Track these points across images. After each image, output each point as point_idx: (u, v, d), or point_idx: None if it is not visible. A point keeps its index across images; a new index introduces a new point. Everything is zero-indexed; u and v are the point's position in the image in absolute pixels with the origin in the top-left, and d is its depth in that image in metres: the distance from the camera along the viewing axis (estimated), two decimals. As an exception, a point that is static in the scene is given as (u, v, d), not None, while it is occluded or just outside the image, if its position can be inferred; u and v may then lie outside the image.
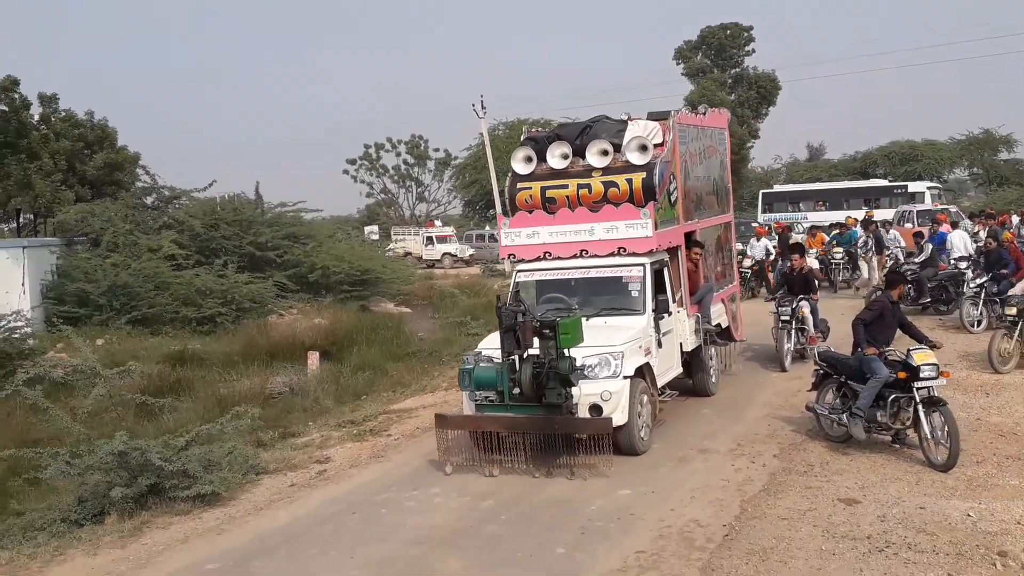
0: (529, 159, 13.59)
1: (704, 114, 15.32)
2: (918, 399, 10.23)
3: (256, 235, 27.22)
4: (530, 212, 13.42)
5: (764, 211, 45.75)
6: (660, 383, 12.80)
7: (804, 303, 16.46)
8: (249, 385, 16.45)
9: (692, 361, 14.44)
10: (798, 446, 11.31)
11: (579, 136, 13.46)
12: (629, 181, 13.06)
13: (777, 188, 52.03)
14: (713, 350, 15.03)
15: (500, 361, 11.31)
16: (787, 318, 16.30)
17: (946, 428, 9.94)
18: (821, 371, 11.90)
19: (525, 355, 11.26)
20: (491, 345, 11.73)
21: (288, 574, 8.66)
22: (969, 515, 8.52)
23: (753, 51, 65.83)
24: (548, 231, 13.23)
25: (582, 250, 13.10)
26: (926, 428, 10.15)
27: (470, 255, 55.58)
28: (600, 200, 13.14)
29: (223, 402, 14.75)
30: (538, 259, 13.40)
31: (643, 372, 12.14)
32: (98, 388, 14.78)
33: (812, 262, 17.90)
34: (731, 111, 60.07)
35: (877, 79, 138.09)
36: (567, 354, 11.06)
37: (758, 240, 29.63)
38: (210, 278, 24.08)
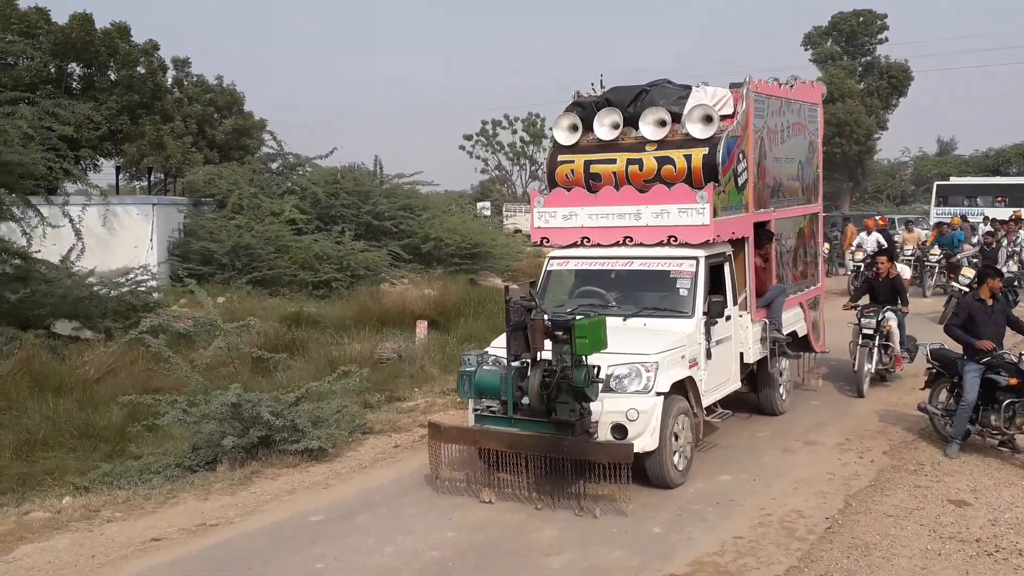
0: (574, 128, 11.15)
1: (792, 85, 12.39)
2: None
3: (374, 204, 26.79)
4: (568, 190, 10.86)
5: (938, 204, 41.61)
6: (708, 400, 10.31)
7: (891, 315, 13.61)
8: (359, 349, 16.20)
9: (758, 374, 11.79)
10: (909, 444, 10.74)
11: (632, 102, 10.94)
12: (688, 158, 10.50)
13: (954, 180, 47.64)
14: (784, 363, 12.31)
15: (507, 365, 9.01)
16: (870, 332, 13.34)
17: None
18: (934, 370, 11.12)
19: (536, 360, 8.77)
20: (501, 344, 9.31)
21: (390, 530, 8.48)
22: None
23: (886, 39, 61.05)
24: (588, 213, 10.81)
25: (626, 237, 10.66)
26: None
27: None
28: (653, 179, 10.68)
29: (334, 363, 14.33)
30: (575, 245, 10.92)
31: (685, 387, 9.80)
32: (217, 341, 14.64)
33: (903, 268, 14.69)
34: (860, 100, 56.69)
35: (1014, 73, 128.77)
36: (585, 362, 8.68)
37: (868, 234, 26.19)
38: (328, 244, 23.91)
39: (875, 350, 13.26)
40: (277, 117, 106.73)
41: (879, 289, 13.84)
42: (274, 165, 29.08)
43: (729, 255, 11.01)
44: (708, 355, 10.26)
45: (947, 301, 19.52)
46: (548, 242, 11.15)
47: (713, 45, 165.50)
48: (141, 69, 32.23)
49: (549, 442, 8.89)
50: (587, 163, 11.08)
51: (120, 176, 39.55)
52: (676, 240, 10.46)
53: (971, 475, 9.46)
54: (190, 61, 38.94)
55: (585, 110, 11.23)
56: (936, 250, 24.57)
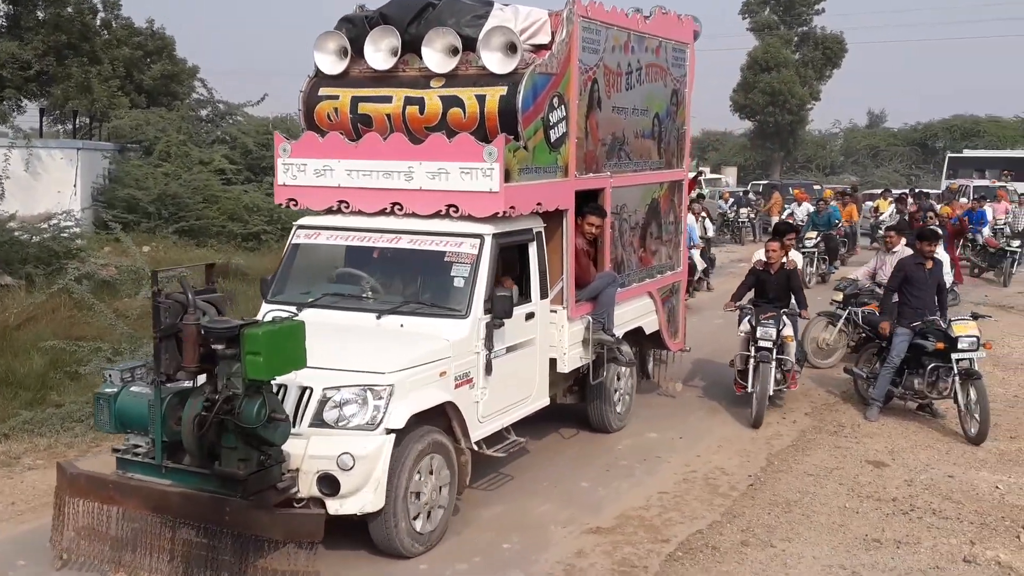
0: (343, 52, 7.65)
1: (649, 15, 8.92)
2: (956, 370, 9.27)
3: None
4: (322, 135, 7.41)
5: (949, 176, 38.22)
6: (491, 427, 7.19)
7: (789, 322, 9.74)
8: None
9: (585, 383, 8.66)
10: (831, 406, 10.43)
11: (415, 20, 7.54)
12: (480, 99, 7.22)
13: (967, 153, 44.36)
14: (625, 371, 9.26)
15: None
16: (768, 344, 9.52)
17: (978, 402, 9.09)
18: (864, 334, 10.89)
19: (197, 384, 5.48)
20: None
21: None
22: (997, 487, 7.93)
23: (823, 10, 57.53)
24: (347, 168, 7.51)
25: (394, 203, 7.25)
26: (961, 400, 9.23)
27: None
28: (437, 125, 7.31)
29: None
30: (331, 211, 7.44)
31: (447, 416, 6.78)
32: (145, 290, 13.13)
33: (796, 256, 10.90)
34: (794, 71, 53.28)
35: (944, 48, 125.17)
36: (264, 390, 5.26)
37: (799, 205, 22.85)
38: (258, 196, 22.30)
39: (773, 364, 9.60)
40: (208, 64, 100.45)
41: (769, 285, 10.08)
42: (204, 113, 27.67)
43: (538, 233, 7.66)
44: (488, 368, 6.90)
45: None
46: (296, 205, 7.71)
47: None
48: (69, 9, 29.85)
49: (205, 505, 5.57)
50: (355, 100, 7.66)
51: (44, 119, 37.22)
52: (457, 211, 7.06)
53: (889, 437, 9.31)
54: (120, 3, 35.54)
55: (357, 28, 7.74)
56: (813, 235, 19.90)
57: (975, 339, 9.19)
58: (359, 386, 6.12)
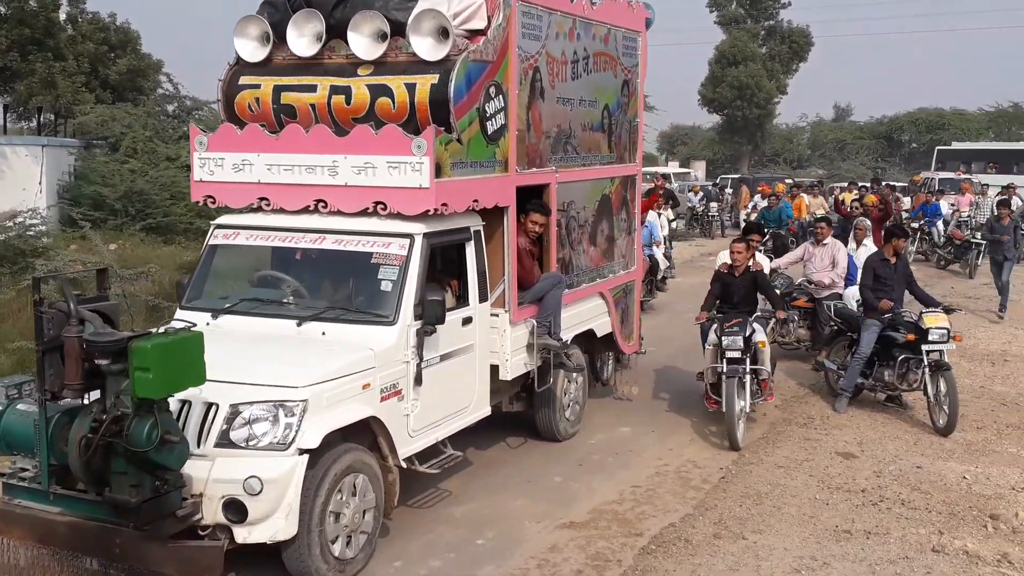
0: (265, 38, 6.99)
1: (596, 2, 8.35)
2: (927, 362, 9.13)
3: None
4: (240, 127, 6.79)
5: (938, 169, 37.18)
6: (424, 441, 6.58)
7: (759, 327, 8.91)
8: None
9: (532, 389, 8.09)
10: (800, 399, 10.33)
11: (341, 2, 6.83)
12: (410, 88, 6.52)
13: (956, 145, 43.33)
14: (576, 377, 8.77)
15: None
16: (737, 355, 8.59)
17: (947, 393, 8.96)
18: (835, 327, 10.57)
19: (87, 401, 4.87)
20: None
21: None
22: (965, 477, 7.89)
23: (789, 4, 57.10)
24: (267, 162, 6.89)
25: (318, 200, 6.64)
26: (930, 391, 9.12)
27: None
28: (364, 116, 6.72)
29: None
30: (251, 209, 6.82)
31: (372, 432, 6.22)
32: (112, 288, 11.60)
33: (763, 258, 10.36)
34: (762, 65, 52.87)
35: (909, 42, 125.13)
36: (154, 409, 4.64)
37: (764, 199, 22.11)
38: None
39: (747, 378, 8.64)
40: (175, 58, 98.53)
41: (735, 289, 9.19)
42: (170, 108, 26.99)
43: (476, 232, 7.08)
44: (419, 378, 6.31)
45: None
46: (214, 203, 7.08)
47: None
48: (33, 3, 29.19)
49: (94, 536, 4.97)
50: (277, 89, 7.04)
51: (7, 115, 36.80)
52: (385, 209, 6.45)
53: (858, 429, 9.24)
54: None
55: (279, 12, 7.12)
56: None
57: (946, 331, 9.12)
58: (269, 402, 5.53)
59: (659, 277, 14.77)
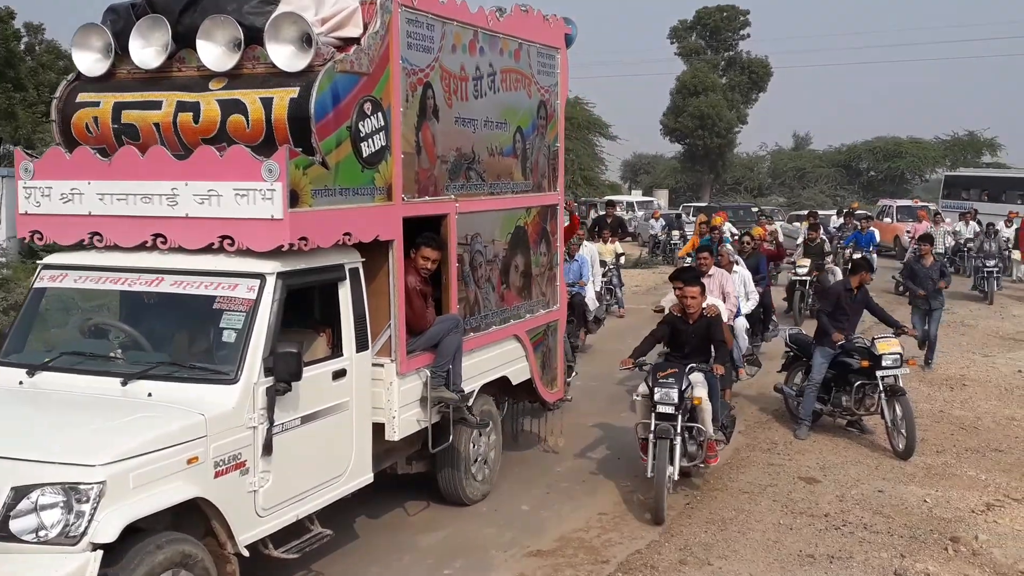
0: (107, 49, 5.77)
1: (500, 14, 7.24)
2: (882, 387, 9.01)
3: None
4: (69, 151, 5.59)
5: (945, 196, 35.43)
6: (277, 521, 5.29)
7: (699, 379, 7.66)
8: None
9: (433, 449, 6.87)
10: (763, 424, 10.15)
11: (190, 7, 5.66)
12: (267, 103, 5.38)
13: (962, 171, 41.62)
14: (488, 431, 7.67)
15: None
16: (669, 409, 7.40)
17: (904, 417, 8.86)
18: (791, 353, 10.24)
19: None
20: None
21: None
22: (925, 501, 7.81)
23: (748, 35, 56.75)
24: (99, 191, 5.69)
25: (156, 235, 5.43)
26: (887, 416, 8.99)
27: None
28: (214, 137, 5.49)
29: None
30: (82, 246, 5.60)
31: (204, 518, 5.07)
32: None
33: (717, 302, 9.06)
34: (722, 95, 52.19)
35: (865, 72, 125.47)
36: None
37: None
38: None
39: (678, 439, 7.39)
40: None
41: (686, 336, 7.89)
42: None
43: (353, 270, 5.89)
44: (269, 446, 5.09)
45: (790, 286, 16.59)
46: (42, 239, 5.87)
47: (589, 33, 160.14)
48: None
49: None
50: (118, 107, 5.85)
51: None
52: (233, 244, 5.27)
53: (821, 453, 9.13)
54: (44, 27, 33.60)
55: (123, 20, 5.96)
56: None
57: (898, 356, 9.04)
58: (58, 484, 4.31)
59: (590, 319, 12.62)
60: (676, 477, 7.39)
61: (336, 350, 5.94)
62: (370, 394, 6.21)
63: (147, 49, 5.91)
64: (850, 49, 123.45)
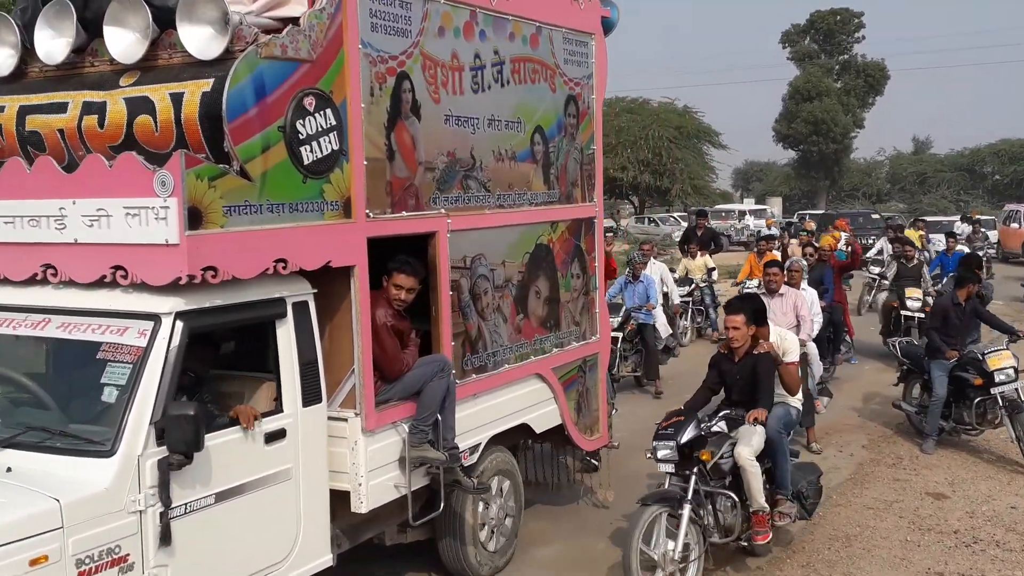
0: (16, 45, 4.57)
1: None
2: (1000, 403, 8.35)
3: None
4: (-43, 165, 4.49)
5: None
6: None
7: (750, 431, 5.98)
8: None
9: (414, 522, 5.40)
10: (887, 438, 9.44)
11: (97, -8, 4.39)
12: (176, 100, 4.04)
13: None
14: (504, 491, 6.22)
15: None
16: (667, 468, 5.78)
17: None
18: (905, 367, 9.53)
19: None
20: None
21: None
22: None
23: (863, 38, 53.45)
24: (-14, 214, 4.28)
25: (46, 266, 4.05)
26: (1011, 431, 8.36)
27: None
28: (121, 143, 4.26)
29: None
30: (-28, 280, 4.48)
31: None
32: None
33: (783, 336, 6.54)
34: (837, 99, 49.08)
35: (989, 72, 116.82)
36: None
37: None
38: None
39: (686, 509, 5.58)
40: None
41: (731, 379, 6.29)
42: None
43: (299, 304, 4.56)
44: (166, 535, 3.77)
45: (887, 312, 13.08)
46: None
47: (698, 40, 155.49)
48: None
49: None
50: (23, 111, 4.66)
51: None
52: (126, 276, 3.98)
53: (949, 468, 8.50)
54: None
55: (31, 11, 4.78)
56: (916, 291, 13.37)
57: (1011, 369, 8.42)
58: None
59: (660, 347, 10.87)
60: (677, 555, 5.51)
61: (277, 405, 4.60)
62: (326, 457, 4.84)
63: (55, 41, 4.73)
64: (972, 49, 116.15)
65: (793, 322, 8.44)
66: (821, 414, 9.16)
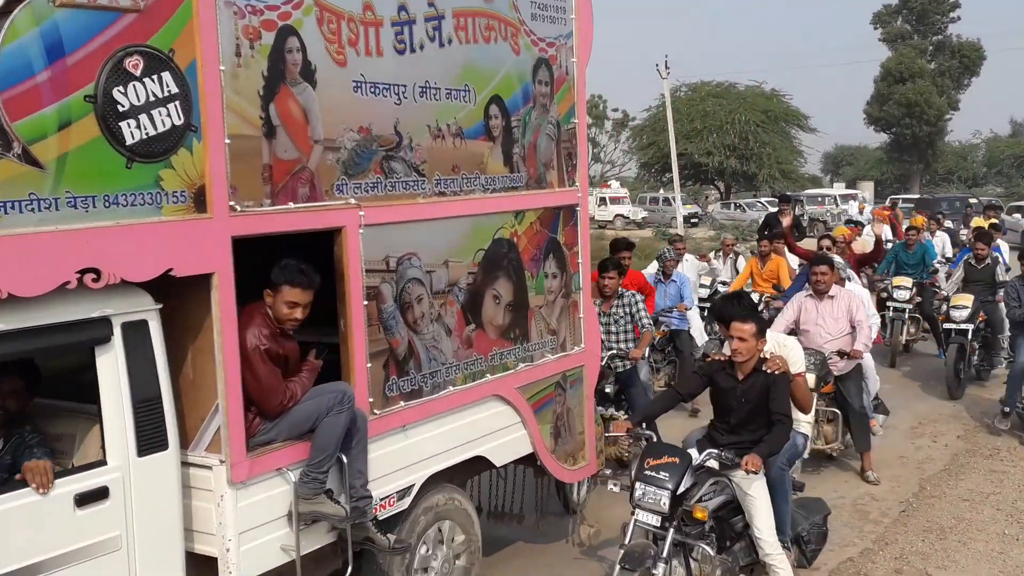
0: None
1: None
2: None
3: None
4: None
5: None
6: None
7: (751, 480, 4.78)
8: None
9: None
10: (984, 429, 8.87)
11: None
12: None
13: None
14: (455, 540, 4.98)
15: None
16: (653, 520, 4.55)
17: None
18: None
19: None
20: None
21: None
22: None
23: (958, 18, 49.75)
24: None
25: None
26: None
27: (642, 217, 44.59)
28: None
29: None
30: None
31: None
32: None
33: (793, 347, 5.35)
34: (931, 80, 45.82)
35: None
36: None
37: (934, 235, 13.92)
38: None
39: (659, 569, 4.44)
40: None
41: (732, 400, 4.99)
42: None
43: (128, 326, 3.48)
44: None
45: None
46: None
47: (787, 22, 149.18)
48: None
49: None
50: None
51: None
52: None
53: None
54: None
55: None
56: (903, 280, 11.27)
57: None
58: None
59: (697, 356, 8.93)
60: None
61: (102, 453, 3.48)
62: (178, 517, 3.69)
63: None
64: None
65: (846, 329, 7.13)
66: (878, 435, 7.85)
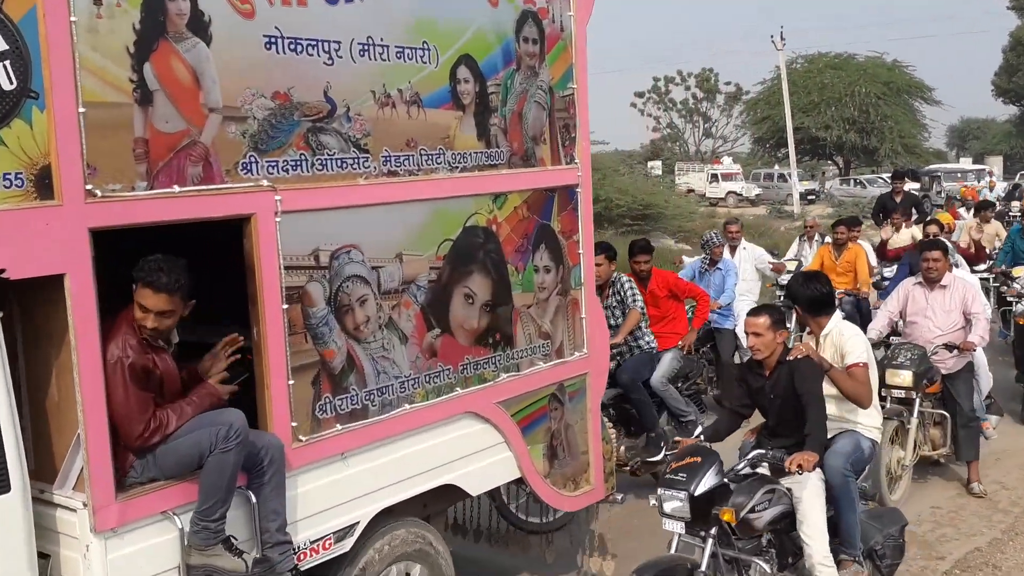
0: None
1: None
2: None
3: None
4: None
5: None
6: None
7: (807, 481, 4.22)
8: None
9: None
10: None
11: None
12: None
13: None
14: None
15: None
16: (677, 527, 4.03)
17: None
18: None
19: None
20: None
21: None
22: None
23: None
24: None
25: None
26: None
27: (756, 195, 42.66)
28: None
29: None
30: None
31: None
32: None
33: (844, 329, 4.67)
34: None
35: None
36: None
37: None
38: None
39: None
40: None
41: (764, 399, 4.49)
42: None
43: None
44: None
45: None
46: None
47: None
48: None
49: None
50: None
51: None
52: None
53: None
54: None
55: None
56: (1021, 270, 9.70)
57: None
58: None
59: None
60: None
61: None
62: (30, 571, 3.00)
63: None
64: None
65: (958, 322, 6.29)
66: (991, 439, 6.91)
